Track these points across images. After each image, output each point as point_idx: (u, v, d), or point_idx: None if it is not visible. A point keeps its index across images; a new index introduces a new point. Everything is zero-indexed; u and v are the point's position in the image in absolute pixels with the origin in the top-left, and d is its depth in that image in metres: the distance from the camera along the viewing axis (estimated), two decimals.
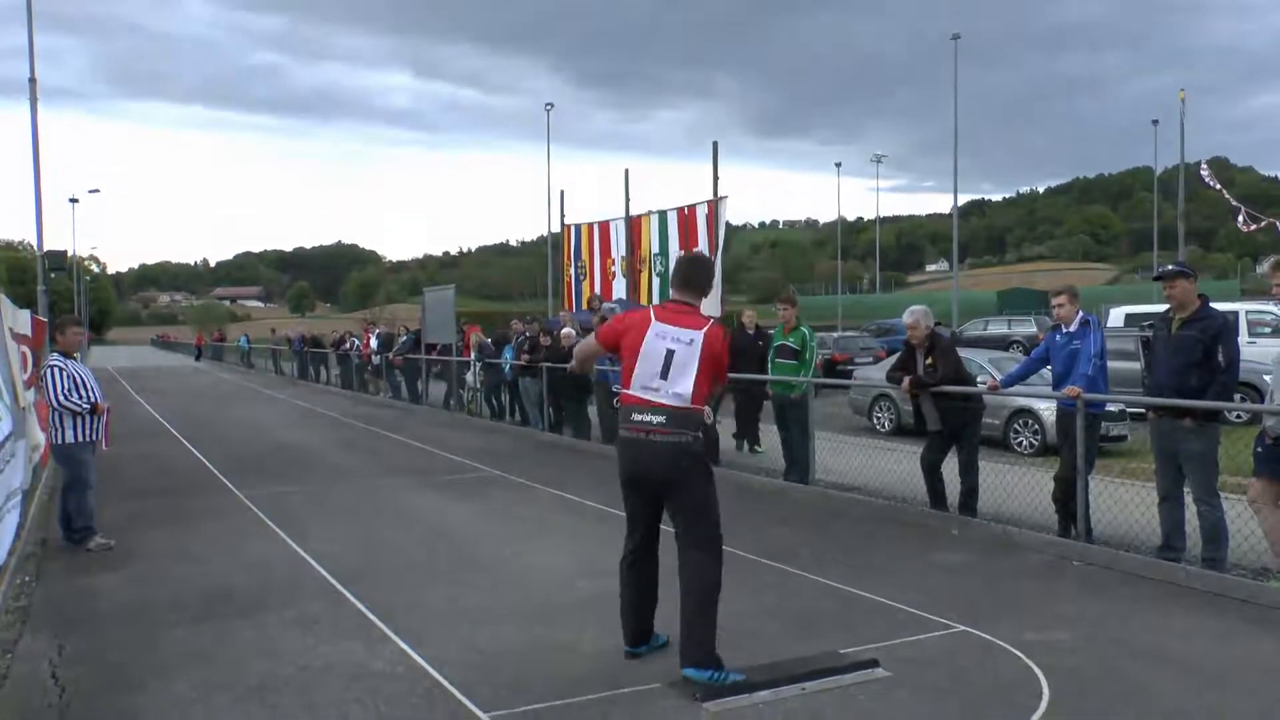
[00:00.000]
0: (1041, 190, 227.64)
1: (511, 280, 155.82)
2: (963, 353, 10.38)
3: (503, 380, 18.70)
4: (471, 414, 20.31)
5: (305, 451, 15.44)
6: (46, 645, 5.99)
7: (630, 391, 5.22)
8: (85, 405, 8.67)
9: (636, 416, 5.16)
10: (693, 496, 5.15)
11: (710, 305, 20.23)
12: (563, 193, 28.19)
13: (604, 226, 25.65)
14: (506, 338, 19.72)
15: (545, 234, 57.63)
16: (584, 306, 24.01)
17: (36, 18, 25.19)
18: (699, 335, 5.16)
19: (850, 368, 26.38)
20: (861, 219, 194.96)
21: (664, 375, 5.12)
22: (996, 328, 34.00)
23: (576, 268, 26.85)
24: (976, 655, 5.56)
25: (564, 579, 7.30)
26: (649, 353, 5.17)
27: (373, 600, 6.80)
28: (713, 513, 5.20)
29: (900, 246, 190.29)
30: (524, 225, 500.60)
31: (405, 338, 25.29)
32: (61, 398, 8.56)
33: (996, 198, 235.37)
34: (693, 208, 22.06)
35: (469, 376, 20.44)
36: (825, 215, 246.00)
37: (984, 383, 10.39)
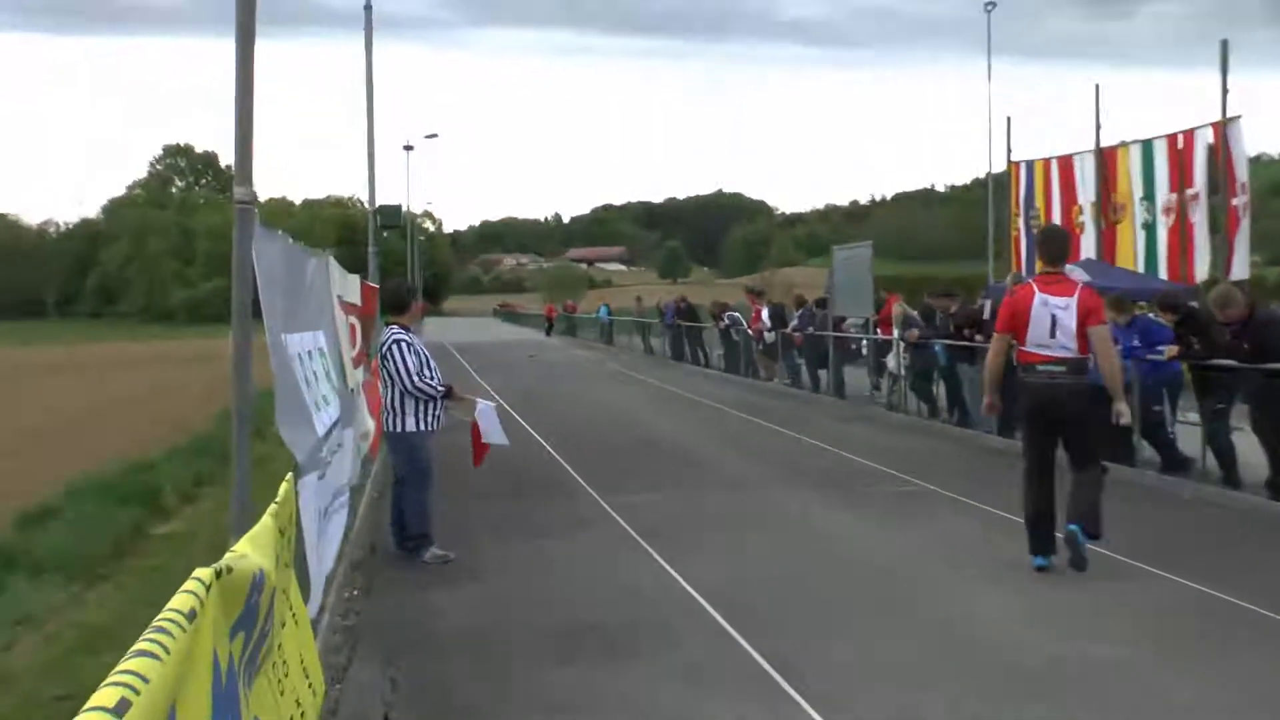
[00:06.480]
0: None
1: (941, 236, 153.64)
2: None
3: (935, 366, 18.34)
4: (893, 408, 20.12)
5: (680, 450, 15.89)
6: (378, 676, 6.47)
7: (1027, 349, 8.43)
8: (440, 388, 9.21)
9: (1041, 368, 8.34)
10: (1082, 427, 8.52)
11: (1240, 268, 18.92)
12: (1009, 120, 27.47)
13: (1065, 162, 24.76)
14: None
15: (985, 174, 56.30)
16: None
17: None
18: (1073, 301, 8.32)
19: None
20: None
21: (1051, 335, 8.26)
22: None
23: (1029, 217, 26.03)
24: None
25: (1017, 634, 6.98)
26: (1036, 319, 8.31)
27: (769, 647, 6.82)
28: (1092, 438, 8.65)
29: None
30: (956, 165, 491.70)
31: (805, 309, 25.44)
32: (415, 378, 9.12)
33: None
34: (1189, 134, 20.70)
35: (890, 360, 20.25)
36: None
37: None
